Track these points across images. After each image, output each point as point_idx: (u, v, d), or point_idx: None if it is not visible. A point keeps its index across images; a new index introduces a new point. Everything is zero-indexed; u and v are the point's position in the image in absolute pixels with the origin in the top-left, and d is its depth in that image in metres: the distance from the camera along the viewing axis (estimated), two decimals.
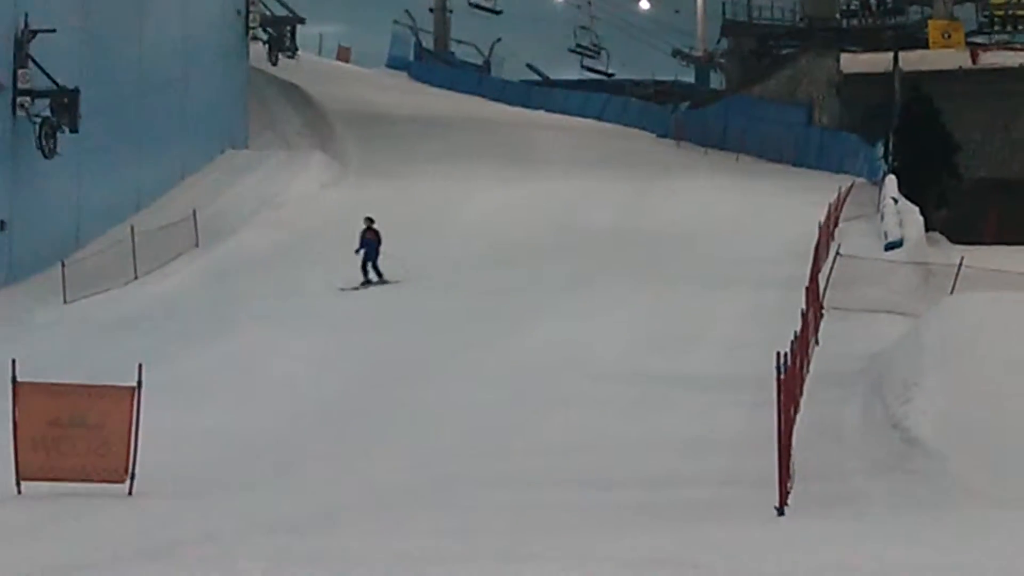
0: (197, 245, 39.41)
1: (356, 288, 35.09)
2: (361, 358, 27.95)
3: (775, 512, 15.12)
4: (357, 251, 35.55)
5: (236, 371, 27.31)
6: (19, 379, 17.99)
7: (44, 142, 37.19)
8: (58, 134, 37.35)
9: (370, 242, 35.84)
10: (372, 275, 35.65)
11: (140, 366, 18.02)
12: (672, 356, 28.13)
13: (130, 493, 17.78)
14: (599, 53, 78.30)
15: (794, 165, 57.26)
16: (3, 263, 36.27)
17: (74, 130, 37.58)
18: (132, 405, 17.99)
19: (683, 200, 46.67)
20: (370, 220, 36.39)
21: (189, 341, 29.56)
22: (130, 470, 17.90)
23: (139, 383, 17.99)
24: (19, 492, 17.71)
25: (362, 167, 52.05)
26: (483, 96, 73.48)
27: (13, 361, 18.01)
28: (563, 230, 41.48)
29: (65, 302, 33.84)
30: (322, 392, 25.42)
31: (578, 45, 77.97)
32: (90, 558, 13.14)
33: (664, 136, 63.92)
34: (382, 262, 35.67)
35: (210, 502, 17.64)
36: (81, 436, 18.02)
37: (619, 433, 22.10)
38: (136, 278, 36.22)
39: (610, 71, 77.64)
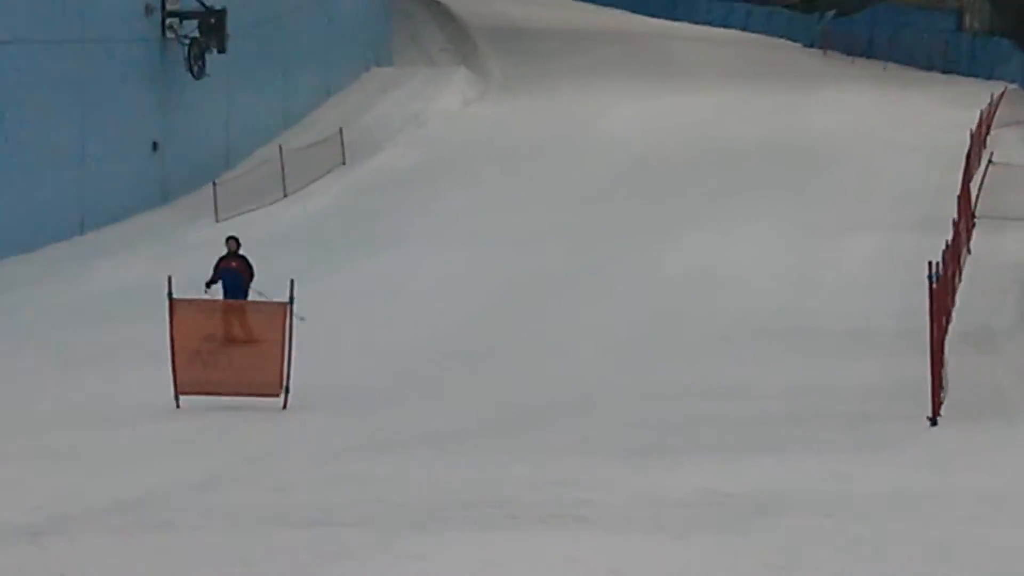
0: (344, 163, 39.72)
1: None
2: (503, 274, 28.07)
3: (928, 423, 15.01)
4: (208, 286, 22.64)
5: (382, 287, 27.60)
6: (175, 296, 18.38)
7: (193, 63, 37.62)
8: (207, 55, 37.76)
9: (233, 274, 22.93)
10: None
11: (292, 282, 18.30)
12: (817, 268, 27.91)
13: (284, 407, 18.11)
14: None
15: (943, 72, 56.17)
16: (156, 184, 36.87)
17: (222, 51, 37.97)
18: (285, 320, 18.28)
19: (830, 111, 46.02)
20: (235, 242, 23.50)
21: (337, 258, 29.90)
22: (284, 384, 18.22)
23: (291, 299, 18.28)
24: (177, 406, 18.12)
25: (504, 83, 52.00)
26: (626, 9, 72.85)
27: (169, 278, 18.39)
28: (706, 144, 41.12)
29: (217, 221, 34.33)
30: (465, 308, 25.60)
31: None
32: (245, 469, 13.43)
33: (810, 46, 63.03)
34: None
35: (359, 416, 17.90)
36: (235, 351, 18.36)
37: (762, 345, 22.02)
38: (285, 196, 36.62)
39: None
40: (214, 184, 35.51)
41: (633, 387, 19.64)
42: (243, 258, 23.48)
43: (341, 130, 40.61)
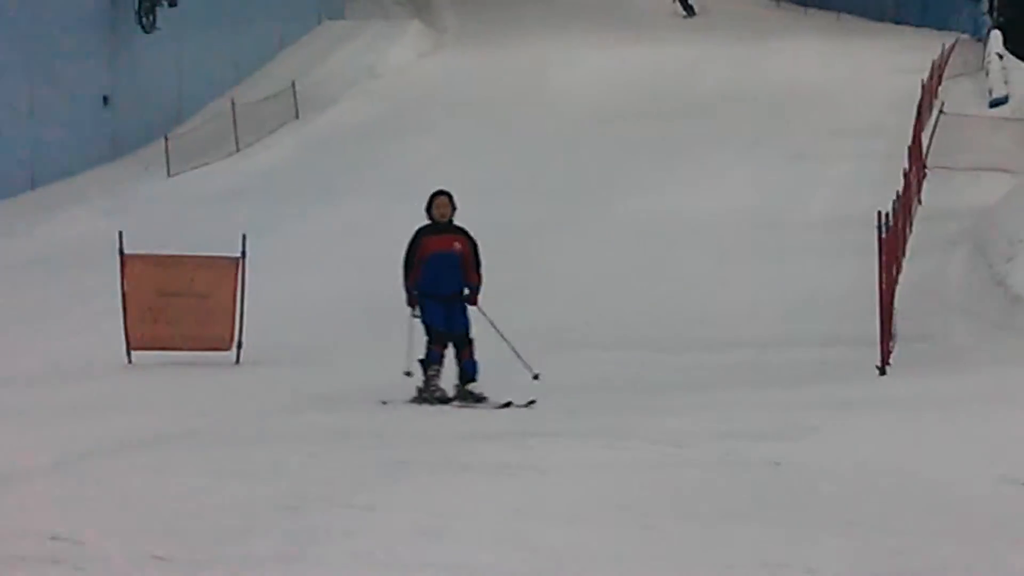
0: (297, 117, 39.60)
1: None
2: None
3: (876, 372, 15.09)
4: (413, 298, 14.33)
5: (338, 241, 27.58)
6: (126, 251, 18.31)
7: (144, 17, 37.47)
8: (157, 9, 37.57)
9: (451, 261, 14.06)
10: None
11: (244, 237, 18.29)
12: (775, 221, 28.02)
13: (237, 361, 18.09)
14: None
15: (896, 23, 56.28)
16: (107, 138, 36.69)
17: (173, 4, 37.83)
18: (237, 275, 18.29)
19: (783, 63, 46.04)
20: (448, 201, 14.02)
21: (291, 212, 29.84)
22: (236, 338, 18.20)
23: (243, 253, 18.26)
24: (129, 362, 18.07)
25: (460, 35, 51.86)
26: None
27: (120, 233, 18.32)
28: (661, 97, 41.12)
29: (169, 175, 34.20)
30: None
31: None
32: (198, 424, 13.39)
33: None
34: None
35: (313, 369, 17.89)
36: (188, 306, 18.35)
37: (724, 298, 22.14)
38: (238, 150, 36.51)
39: None
40: (166, 138, 35.35)
41: (599, 336, 19.74)
42: (465, 233, 14.07)
43: (294, 83, 40.46)
